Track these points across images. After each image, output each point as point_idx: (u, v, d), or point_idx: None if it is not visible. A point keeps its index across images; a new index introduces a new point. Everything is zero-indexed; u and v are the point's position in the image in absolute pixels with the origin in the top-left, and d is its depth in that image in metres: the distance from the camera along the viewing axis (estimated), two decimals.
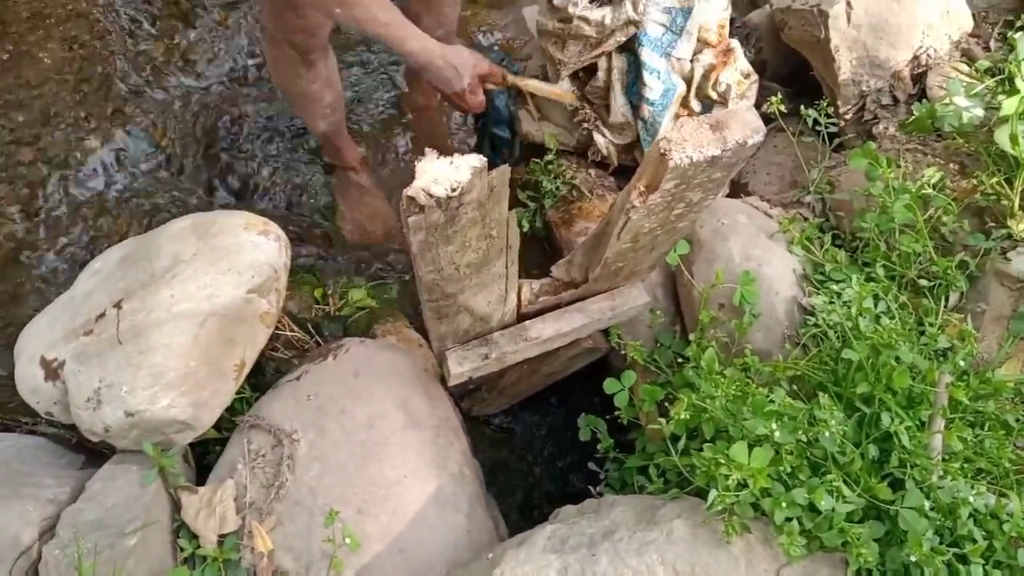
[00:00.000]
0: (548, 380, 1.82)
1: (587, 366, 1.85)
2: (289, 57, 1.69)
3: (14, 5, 2.40)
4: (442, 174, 0.88)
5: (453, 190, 0.87)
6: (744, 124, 1.01)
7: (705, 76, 1.88)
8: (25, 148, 2.17)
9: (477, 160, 0.89)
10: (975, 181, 1.66)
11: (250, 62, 2.43)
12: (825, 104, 1.86)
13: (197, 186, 2.20)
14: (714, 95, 1.89)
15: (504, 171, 0.95)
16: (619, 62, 1.88)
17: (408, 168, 2.32)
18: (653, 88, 1.85)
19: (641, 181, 1.08)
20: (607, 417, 1.64)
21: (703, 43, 1.86)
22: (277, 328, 1.67)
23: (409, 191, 0.88)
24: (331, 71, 1.80)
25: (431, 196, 0.88)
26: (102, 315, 1.52)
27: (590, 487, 1.62)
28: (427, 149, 0.89)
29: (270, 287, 1.55)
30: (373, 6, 1.43)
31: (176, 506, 1.45)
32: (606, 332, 1.70)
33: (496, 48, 2.57)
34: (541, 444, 2.08)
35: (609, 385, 1.58)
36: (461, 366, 1.44)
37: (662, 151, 1.00)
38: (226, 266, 1.52)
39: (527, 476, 2.04)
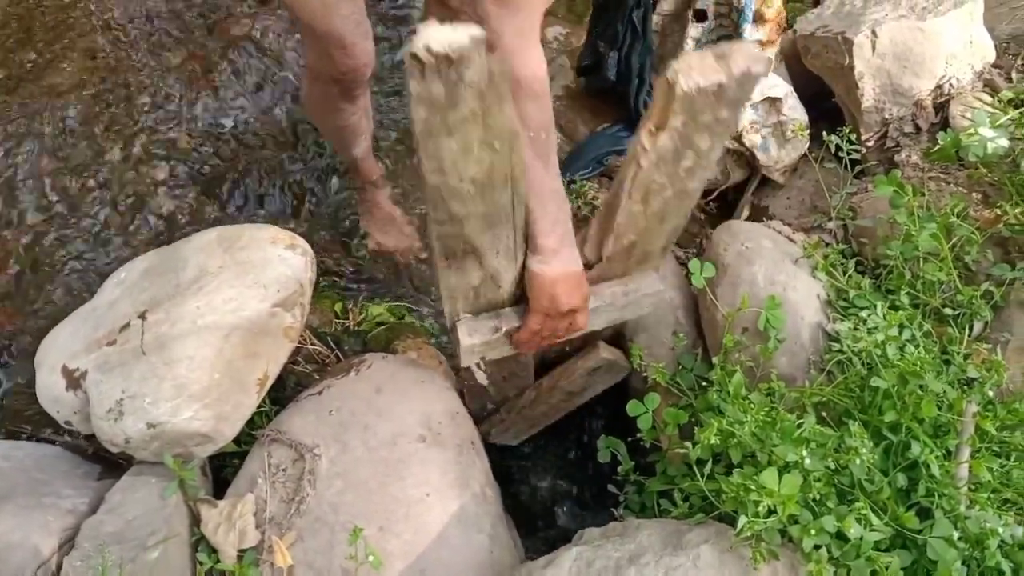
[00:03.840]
0: (568, 403, 1.80)
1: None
2: (330, 95, 1.68)
3: (39, 15, 2.42)
4: (442, 35, 0.90)
5: (453, 50, 0.89)
6: (747, 55, 1.04)
7: None
8: (47, 157, 2.17)
9: (478, 30, 0.91)
10: (999, 211, 1.67)
11: (275, 75, 2.44)
12: (848, 131, 1.86)
13: (221, 198, 2.21)
14: None
15: (504, 61, 0.97)
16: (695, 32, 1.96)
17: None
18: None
19: (651, 121, 1.11)
20: (628, 440, 1.64)
21: (759, 17, 1.88)
22: (299, 342, 1.67)
23: (411, 48, 0.90)
24: (367, 101, 1.80)
25: (430, 52, 0.89)
26: (126, 326, 1.52)
27: (612, 510, 1.61)
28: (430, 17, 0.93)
29: (295, 301, 1.55)
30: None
31: (195, 519, 1.45)
32: (628, 354, 1.70)
33: None
34: (551, 463, 2.08)
35: (632, 407, 1.57)
36: (472, 337, 1.43)
37: (670, 80, 1.03)
38: (252, 279, 1.52)
39: (535, 495, 2.03)
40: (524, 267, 1.36)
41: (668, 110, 1.08)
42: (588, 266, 1.43)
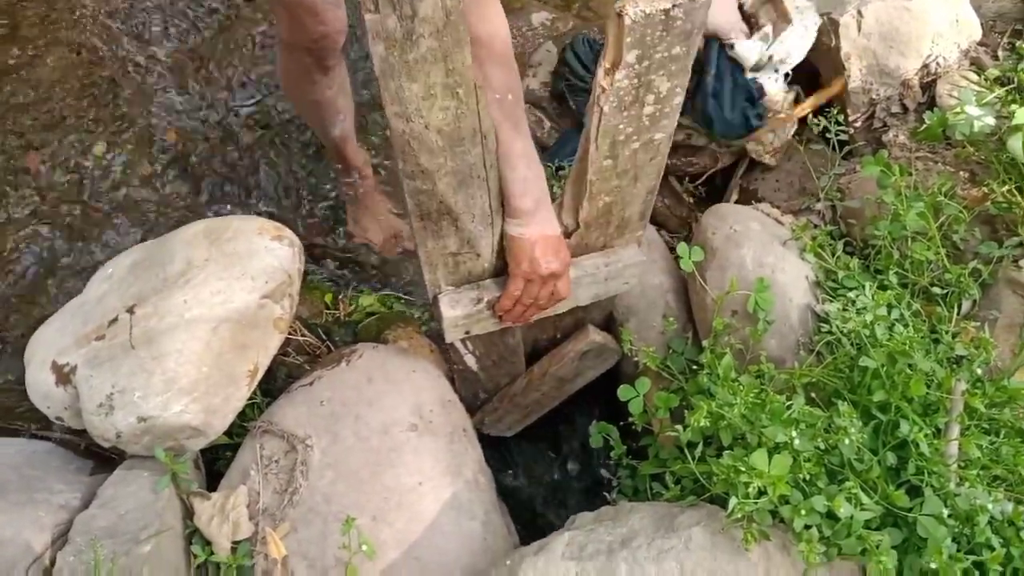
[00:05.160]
0: (560, 391, 1.81)
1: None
2: (304, 66, 1.68)
3: (22, 9, 2.40)
4: None
5: None
6: None
7: None
8: (33, 153, 2.16)
9: None
10: (986, 189, 1.67)
11: (260, 66, 2.43)
12: (835, 112, 1.86)
13: (208, 190, 2.20)
14: None
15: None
16: None
17: None
18: None
19: (606, 59, 1.12)
20: (621, 424, 1.64)
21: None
22: (289, 333, 1.67)
23: None
24: (344, 76, 1.79)
25: None
26: (114, 320, 1.52)
27: (605, 494, 1.61)
28: None
29: (284, 292, 1.55)
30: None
31: (188, 512, 1.45)
32: (618, 339, 1.70)
33: None
34: (544, 449, 2.08)
35: (623, 392, 1.57)
36: (454, 309, 1.43)
37: (618, 11, 1.04)
38: (240, 271, 1.51)
39: (528, 481, 2.03)
40: (502, 235, 1.37)
41: (621, 45, 1.08)
42: (567, 234, 1.43)
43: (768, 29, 1.89)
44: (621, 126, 1.22)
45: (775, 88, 1.95)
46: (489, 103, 1.16)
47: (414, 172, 1.19)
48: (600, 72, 1.14)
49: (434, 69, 1.04)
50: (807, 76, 2.10)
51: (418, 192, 1.23)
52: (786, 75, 1.98)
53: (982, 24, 2.00)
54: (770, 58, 1.91)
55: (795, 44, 1.90)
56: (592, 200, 1.36)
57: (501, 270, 1.44)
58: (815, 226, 1.79)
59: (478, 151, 1.20)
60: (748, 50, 1.86)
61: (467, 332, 1.49)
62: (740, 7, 1.95)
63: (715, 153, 2.14)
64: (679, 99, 1.23)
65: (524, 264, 1.35)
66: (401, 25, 0.97)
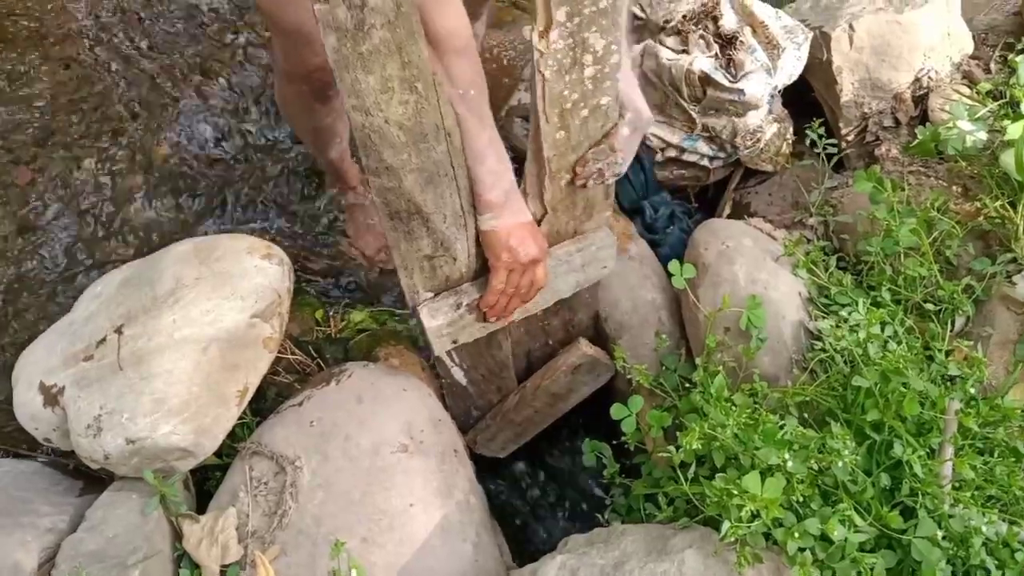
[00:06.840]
0: (554, 408, 1.79)
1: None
2: (302, 95, 1.66)
3: (11, 25, 2.39)
4: None
5: None
6: None
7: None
8: (23, 168, 2.15)
9: None
10: (979, 204, 1.66)
11: (249, 81, 2.42)
12: (816, 125, 1.86)
13: (197, 208, 2.19)
14: None
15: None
16: None
17: None
18: None
19: (538, 24, 1.11)
20: (614, 442, 1.63)
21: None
22: (279, 352, 1.66)
23: None
24: (343, 102, 1.77)
25: None
26: (103, 340, 1.51)
27: (597, 515, 1.60)
28: None
29: (273, 311, 1.54)
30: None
31: (177, 535, 1.43)
32: (612, 356, 1.69)
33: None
34: (537, 468, 2.07)
35: (616, 410, 1.56)
36: (435, 319, 1.42)
37: None
38: (229, 291, 1.50)
39: (522, 501, 2.02)
40: (477, 236, 1.36)
41: (549, 3, 1.08)
42: (537, 222, 1.43)
43: (764, 57, 1.88)
44: (566, 92, 1.21)
45: (761, 120, 1.95)
46: (452, 98, 1.16)
47: (378, 168, 1.18)
48: (535, 36, 1.13)
49: (389, 61, 1.04)
50: (797, 90, 2.10)
51: (384, 190, 1.22)
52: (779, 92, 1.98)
53: (974, 37, 2.00)
54: (774, 88, 1.91)
55: (792, 65, 1.90)
56: (553, 180, 1.35)
57: (479, 273, 1.44)
58: (808, 241, 1.78)
59: (443, 148, 1.19)
60: (758, 87, 1.85)
61: (454, 341, 1.48)
62: (718, 31, 1.93)
63: (707, 167, 2.13)
64: (616, 58, 1.21)
65: (504, 255, 1.35)
66: (351, 15, 0.97)
